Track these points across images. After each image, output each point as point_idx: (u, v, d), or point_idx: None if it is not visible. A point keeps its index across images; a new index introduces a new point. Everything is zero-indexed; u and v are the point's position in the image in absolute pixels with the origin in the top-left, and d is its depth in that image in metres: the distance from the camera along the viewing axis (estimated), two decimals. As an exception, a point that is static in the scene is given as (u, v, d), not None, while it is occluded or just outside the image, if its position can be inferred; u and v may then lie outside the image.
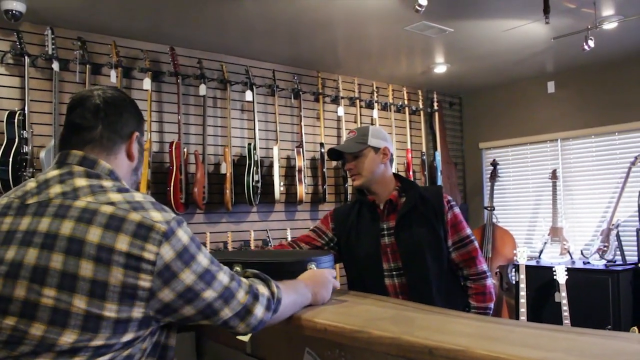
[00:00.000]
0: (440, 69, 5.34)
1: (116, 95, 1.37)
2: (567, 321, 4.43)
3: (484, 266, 2.30)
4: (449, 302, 2.15)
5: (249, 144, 4.69)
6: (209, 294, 1.21)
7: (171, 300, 1.17)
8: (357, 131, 2.38)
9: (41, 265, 1.11)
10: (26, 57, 3.67)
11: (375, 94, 5.72)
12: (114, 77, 3.98)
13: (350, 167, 2.34)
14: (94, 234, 1.13)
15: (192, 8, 3.73)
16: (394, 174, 2.41)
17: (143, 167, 3.99)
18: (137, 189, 1.40)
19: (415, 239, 2.25)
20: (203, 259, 1.23)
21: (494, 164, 6.13)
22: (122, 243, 1.13)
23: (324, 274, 1.66)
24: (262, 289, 1.33)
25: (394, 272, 2.27)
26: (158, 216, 1.19)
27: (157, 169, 4.31)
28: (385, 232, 2.30)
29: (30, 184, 1.28)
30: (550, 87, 5.82)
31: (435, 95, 6.25)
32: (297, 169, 4.97)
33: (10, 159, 3.51)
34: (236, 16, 3.90)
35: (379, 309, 1.57)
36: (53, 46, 3.78)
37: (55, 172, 1.27)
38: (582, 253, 5.20)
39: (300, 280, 1.58)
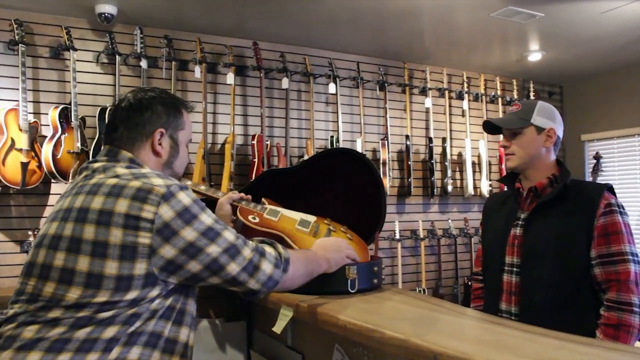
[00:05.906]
0: (535, 56, 5.04)
1: (146, 97, 1.47)
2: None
3: (635, 298, 1.78)
4: (567, 324, 1.55)
5: (332, 136, 4.69)
6: (213, 249, 1.29)
7: (174, 256, 1.26)
8: (521, 105, 2.08)
9: (57, 234, 1.28)
10: (117, 56, 3.90)
11: (466, 85, 5.51)
12: (198, 72, 4.12)
13: (506, 144, 2.05)
14: (97, 202, 1.27)
15: (275, 2, 3.77)
16: (557, 160, 2.07)
17: (226, 160, 4.18)
18: None
19: (544, 236, 1.92)
20: (207, 218, 1.31)
21: (597, 157, 5.69)
22: (122, 206, 1.25)
23: (336, 241, 1.72)
24: (269, 249, 1.42)
25: (514, 269, 1.99)
26: (159, 182, 1.30)
27: (240, 161, 4.42)
28: (519, 223, 2.02)
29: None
30: (662, 72, 5.32)
31: (532, 85, 5.90)
32: (381, 161, 4.90)
33: (103, 153, 3.73)
34: (319, 8, 3.90)
35: (409, 308, 1.51)
36: (142, 45, 3.98)
37: None
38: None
39: (309, 249, 1.65)
